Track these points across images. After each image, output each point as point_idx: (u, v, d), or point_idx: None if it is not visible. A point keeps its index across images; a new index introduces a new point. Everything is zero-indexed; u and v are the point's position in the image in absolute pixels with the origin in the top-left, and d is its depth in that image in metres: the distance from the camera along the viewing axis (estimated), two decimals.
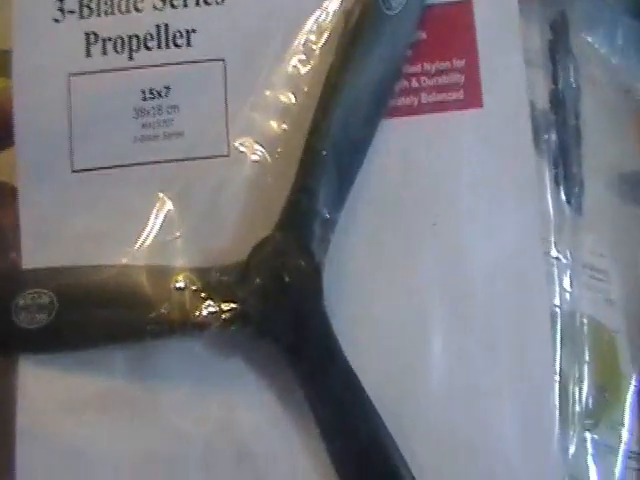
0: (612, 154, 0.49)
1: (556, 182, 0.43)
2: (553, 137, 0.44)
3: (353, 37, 0.39)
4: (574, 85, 0.47)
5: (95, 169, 0.39)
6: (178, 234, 0.39)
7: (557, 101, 0.45)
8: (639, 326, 0.48)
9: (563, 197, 0.43)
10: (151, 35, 0.40)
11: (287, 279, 0.36)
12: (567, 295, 0.41)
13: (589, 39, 0.48)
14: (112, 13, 0.41)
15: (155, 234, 0.39)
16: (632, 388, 0.46)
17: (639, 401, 0.46)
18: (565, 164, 0.44)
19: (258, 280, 0.36)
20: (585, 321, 0.42)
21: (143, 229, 0.39)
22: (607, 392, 0.44)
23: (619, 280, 0.48)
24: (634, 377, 0.47)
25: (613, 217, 0.49)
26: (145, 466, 0.37)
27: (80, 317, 0.37)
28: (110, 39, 0.40)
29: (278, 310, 0.36)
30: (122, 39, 0.40)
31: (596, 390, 0.43)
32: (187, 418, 0.37)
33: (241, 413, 0.37)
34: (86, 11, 0.40)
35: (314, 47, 0.40)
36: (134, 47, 0.40)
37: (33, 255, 0.39)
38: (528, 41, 0.43)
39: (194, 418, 0.37)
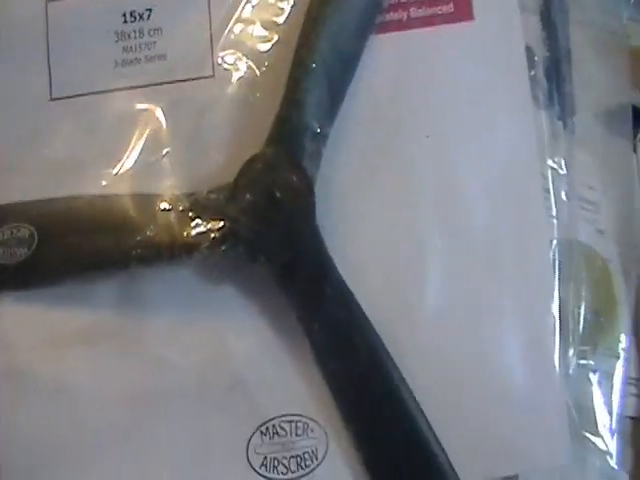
0: (600, 87, 0.48)
1: (550, 99, 0.41)
2: (545, 54, 0.42)
3: None
4: (564, 7, 0.45)
5: (75, 96, 0.37)
6: (163, 157, 0.36)
7: (548, 20, 0.43)
8: (630, 255, 0.47)
9: (557, 113, 0.41)
10: None
11: (278, 195, 0.34)
12: (565, 208, 0.39)
13: None
14: None
15: (138, 159, 0.37)
16: (627, 314, 0.45)
17: (635, 327, 0.44)
18: (558, 82, 0.42)
19: (249, 197, 0.34)
20: (578, 246, 0.40)
21: (126, 155, 0.37)
22: (602, 317, 0.42)
23: (609, 212, 0.47)
24: (628, 304, 0.45)
25: (602, 150, 0.47)
26: (133, 399, 0.35)
27: (62, 248, 0.35)
28: None
29: (270, 227, 0.34)
30: None
31: (592, 315, 0.41)
32: (176, 348, 0.35)
33: (232, 340, 0.35)
34: None
35: None
36: None
37: (10, 189, 0.37)
38: None
39: (183, 348, 0.35)
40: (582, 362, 0.40)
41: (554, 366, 0.36)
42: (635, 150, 0.52)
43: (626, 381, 0.43)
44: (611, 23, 0.48)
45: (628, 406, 0.43)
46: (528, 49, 0.41)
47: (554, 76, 0.42)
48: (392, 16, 0.38)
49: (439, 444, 0.33)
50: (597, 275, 0.44)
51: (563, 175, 0.40)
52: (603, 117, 0.48)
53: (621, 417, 0.42)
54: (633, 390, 0.43)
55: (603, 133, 0.48)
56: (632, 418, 0.43)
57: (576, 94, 0.47)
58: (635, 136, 0.52)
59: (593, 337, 0.42)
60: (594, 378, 0.41)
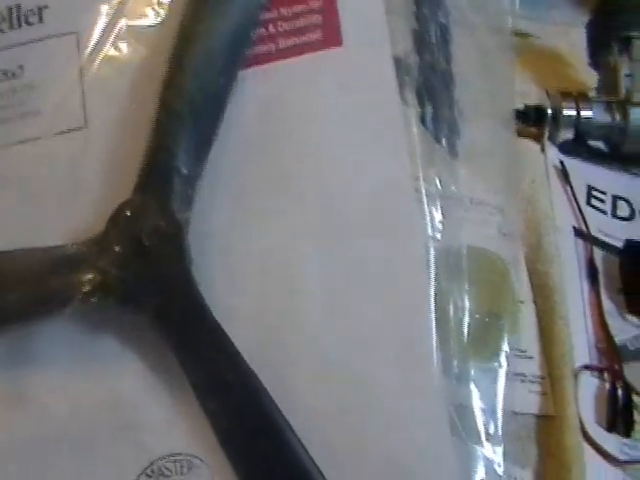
0: (502, 92, 0.45)
1: (422, 121, 0.38)
2: (418, 78, 0.38)
3: None
4: (442, 29, 0.42)
5: None
6: (39, 211, 0.33)
7: (421, 43, 0.40)
8: (535, 255, 0.44)
9: (432, 137, 0.38)
10: (3, 17, 0.35)
11: (146, 242, 0.31)
12: (439, 225, 0.36)
13: None
14: None
15: (15, 212, 0.34)
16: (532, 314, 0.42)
17: (540, 324, 0.42)
18: (434, 106, 0.39)
19: (117, 248, 0.31)
20: (464, 252, 0.37)
21: (4, 209, 0.34)
22: (501, 319, 0.39)
23: (515, 214, 0.44)
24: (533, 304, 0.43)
25: (509, 153, 0.44)
26: (20, 450, 0.31)
27: None
28: None
29: (139, 276, 0.31)
30: None
31: (490, 318, 0.38)
32: (63, 398, 0.32)
33: (118, 386, 0.32)
34: None
35: (164, 1, 0.35)
36: None
37: None
38: None
39: (71, 397, 0.32)
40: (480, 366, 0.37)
41: (432, 378, 0.33)
42: (543, 150, 0.49)
43: (530, 379, 0.40)
44: (494, 22, 0.44)
45: (532, 404, 0.39)
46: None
47: (429, 102, 0.39)
48: (260, 49, 0.35)
49: (320, 473, 0.30)
50: (496, 278, 0.42)
51: (437, 195, 0.37)
52: (509, 121, 0.45)
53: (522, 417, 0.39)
54: (537, 388, 0.40)
55: (507, 136, 0.45)
56: (537, 416, 0.39)
57: (475, 100, 0.44)
58: (542, 136, 0.49)
59: (494, 341, 0.39)
60: (489, 379, 0.37)
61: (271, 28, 0.35)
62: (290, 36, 0.35)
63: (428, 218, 0.36)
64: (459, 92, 0.43)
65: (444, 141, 0.39)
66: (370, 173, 0.34)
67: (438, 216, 0.37)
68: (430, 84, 0.39)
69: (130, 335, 0.32)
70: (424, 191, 0.36)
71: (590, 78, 0.52)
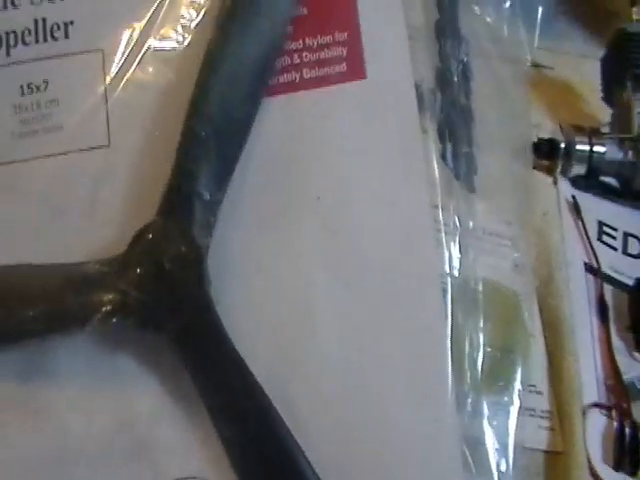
0: (516, 123, 0.45)
1: (443, 157, 0.38)
2: (439, 114, 0.38)
3: (231, 13, 0.34)
4: (463, 65, 0.42)
5: None
6: (59, 228, 0.33)
7: (444, 80, 0.40)
8: (547, 288, 0.43)
9: (451, 172, 0.38)
10: (29, 30, 0.35)
11: (167, 266, 0.30)
12: (457, 261, 0.36)
13: (477, 9, 0.42)
14: None
15: (35, 228, 0.33)
16: (542, 348, 0.41)
17: (549, 358, 0.41)
18: (454, 143, 0.39)
19: (138, 270, 0.30)
20: (480, 287, 0.36)
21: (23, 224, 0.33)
22: (513, 354, 0.39)
23: (526, 246, 0.43)
24: (544, 338, 0.42)
25: (522, 185, 0.44)
26: (36, 466, 0.31)
27: None
28: None
29: (159, 298, 0.31)
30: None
31: (502, 353, 0.38)
32: (81, 415, 0.32)
33: (135, 405, 0.32)
34: None
35: (191, 25, 0.35)
36: (11, 43, 0.35)
37: None
38: (411, 18, 0.38)
39: (88, 414, 0.32)
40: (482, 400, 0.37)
41: (447, 414, 0.33)
42: (555, 183, 0.49)
43: (540, 414, 0.40)
44: (511, 53, 0.45)
45: (541, 439, 0.39)
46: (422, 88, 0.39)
47: (448, 138, 0.39)
48: (284, 78, 0.35)
49: None
50: (509, 313, 0.41)
51: (456, 230, 0.36)
52: (524, 153, 0.45)
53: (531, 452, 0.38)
54: (546, 423, 0.40)
55: (520, 168, 0.45)
56: (545, 452, 0.39)
57: (491, 132, 0.44)
58: (555, 169, 0.49)
59: (506, 375, 0.39)
60: (502, 415, 0.37)
61: (296, 58, 0.35)
62: (315, 67, 0.35)
63: (446, 253, 0.36)
64: (477, 126, 0.43)
65: (462, 177, 0.39)
66: (390, 204, 0.34)
67: (456, 252, 0.36)
68: (451, 121, 0.40)
69: (149, 356, 0.32)
70: (443, 226, 0.36)
71: (603, 113, 0.52)
